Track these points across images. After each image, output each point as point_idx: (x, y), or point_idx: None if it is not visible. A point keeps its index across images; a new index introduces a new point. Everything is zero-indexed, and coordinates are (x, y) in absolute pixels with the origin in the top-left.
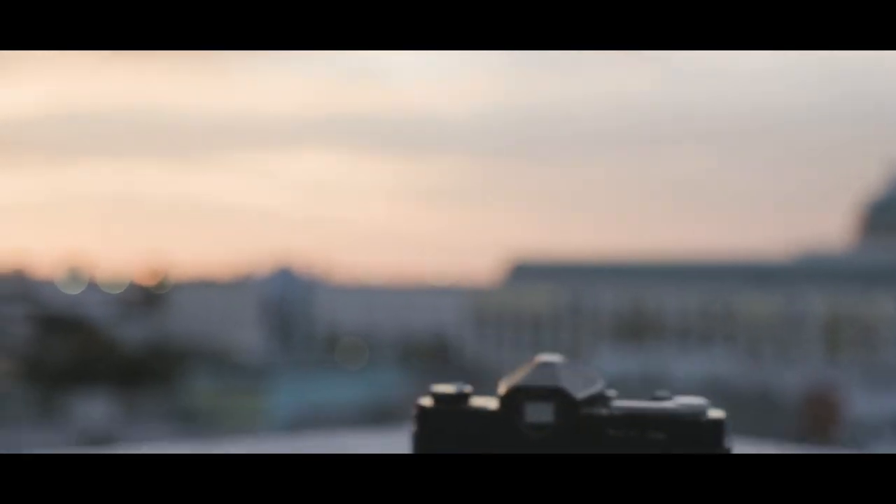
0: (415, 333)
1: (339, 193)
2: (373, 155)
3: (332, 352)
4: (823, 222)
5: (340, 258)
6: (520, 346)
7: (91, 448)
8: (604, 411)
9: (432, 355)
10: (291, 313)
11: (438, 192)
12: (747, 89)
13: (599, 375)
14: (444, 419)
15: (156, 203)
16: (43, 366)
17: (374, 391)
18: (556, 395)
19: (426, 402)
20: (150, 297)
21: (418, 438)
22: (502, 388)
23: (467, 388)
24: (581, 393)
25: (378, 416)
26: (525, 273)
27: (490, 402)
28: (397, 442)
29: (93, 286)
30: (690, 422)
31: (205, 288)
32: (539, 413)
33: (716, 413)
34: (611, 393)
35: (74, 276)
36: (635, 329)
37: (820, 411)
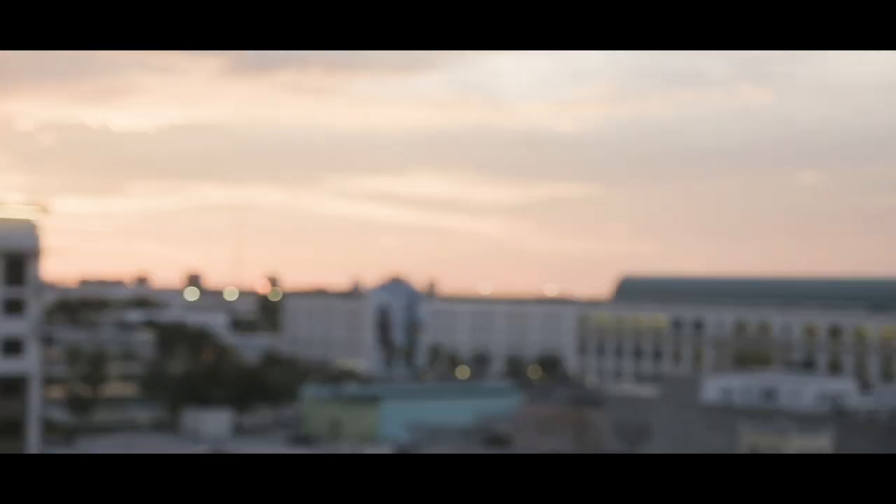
0: (525, 349)
1: (452, 210)
2: (486, 172)
3: (443, 366)
4: None
5: (452, 274)
6: (627, 361)
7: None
8: None
9: (542, 370)
10: (402, 327)
11: (551, 209)
12: (871, 106)
13: None
14: None
15: (274, 217)
16: (165, 375)
17: (484, 406)
18: None
19: None
20: (266, 309)
21: None
22: None
23: None
24: None
25: (487, 433)
26: (634, 289)
27: None
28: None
29: (212, 297)
30: None
31: (319, 300)
32: None
33: None
34: None
35: (195, 287)
36: (744, 349)
37: None
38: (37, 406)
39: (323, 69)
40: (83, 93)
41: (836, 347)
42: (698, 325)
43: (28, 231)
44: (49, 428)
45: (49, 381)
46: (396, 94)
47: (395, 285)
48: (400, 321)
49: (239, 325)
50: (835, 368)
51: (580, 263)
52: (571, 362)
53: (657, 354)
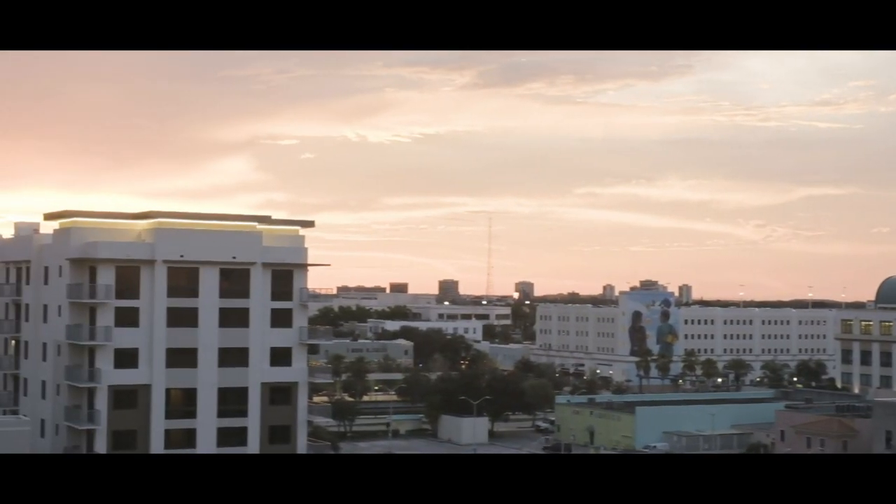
0: (784, 355)
1: (705, 214)
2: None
3: (698, 373)
4: None
5: (705, 279)
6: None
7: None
8: None
9: (803, 377)
10: (656, 333)
11: (808, 211)
12: None
13: None
14: None
15: (525, 226)
16: (422, 383)
17: (742, 414)
18: None
19: None
20: (519, 316)
21: None
22: None
23: None
24: None
25: (746, 441)
26: None
27: None
28: None
29: (466, 305)
30: None
31: (571, 307)
32: None
33: None
34: None
35: (449, 295)
36: None
37: None
38: (304, 412)
39: (571, 79)
40: (341, 111)
41: None
42: None
43: (293, 246)
44: (315, 433)
45: (315, 388)
46: (645, 100)
47: (648, 291)
48: (653, 327)
49: (492, 332)
50: None
51: (840, 266)
52: (834, 368)
53: None
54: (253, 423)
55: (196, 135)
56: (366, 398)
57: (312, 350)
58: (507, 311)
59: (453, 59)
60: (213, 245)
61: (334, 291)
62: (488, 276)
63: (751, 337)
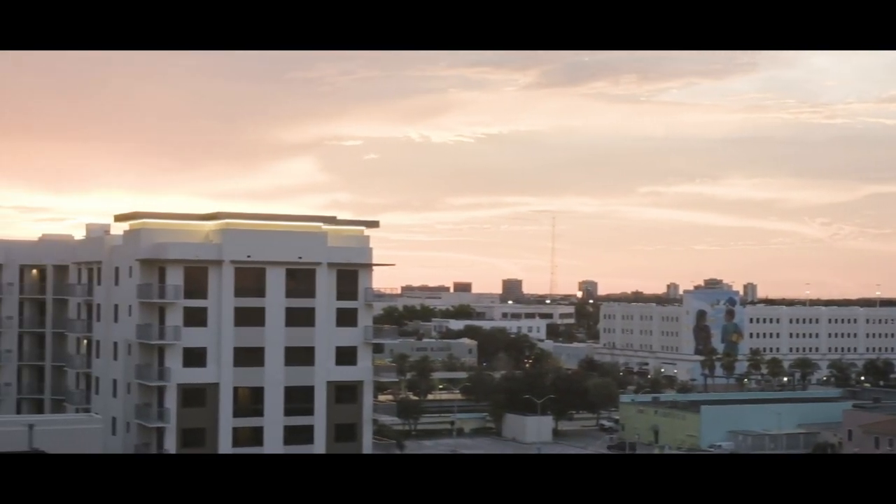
0: (851, 354)
1: (770, 213)
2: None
3: (763, 372)
4: None
5: (770, 277)
6: None
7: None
8: None
9: (871, 376)
10: (720, 332)
11: (875, 208)
12: None
13: None
14: None
15: (588, 225)
16: (486, 382)
17: (809, 413)
18: None
19: None
20: (583, 315)
21: None
22: None
23: None
24: None
25: (813, 441)
26: None
27: None
28: None
29: (530, 304)
30: None
31: (635, 307)
32: None
33: None
34: None
35: (513, 294)
36: None
37: None
38: (369, 410)
39: (634, 78)
40: (404, 111)
41: None
42: None
43: (358, 246)
44: (380, 432)
45: (380, 387)
46: (709, 98)
47: (712, 290)
48: (718, 326)
49: (556, 331)
50: None
51: None
52: None
53: None
54: (319, 421)
55: (262, 136)
56: (430, 397)
57: (377, 349)
58: (571, 310)
59: (516, 59)
60: (280, 245)
61: (399, 291)
62: (552, 275)
63: (817, 336)
